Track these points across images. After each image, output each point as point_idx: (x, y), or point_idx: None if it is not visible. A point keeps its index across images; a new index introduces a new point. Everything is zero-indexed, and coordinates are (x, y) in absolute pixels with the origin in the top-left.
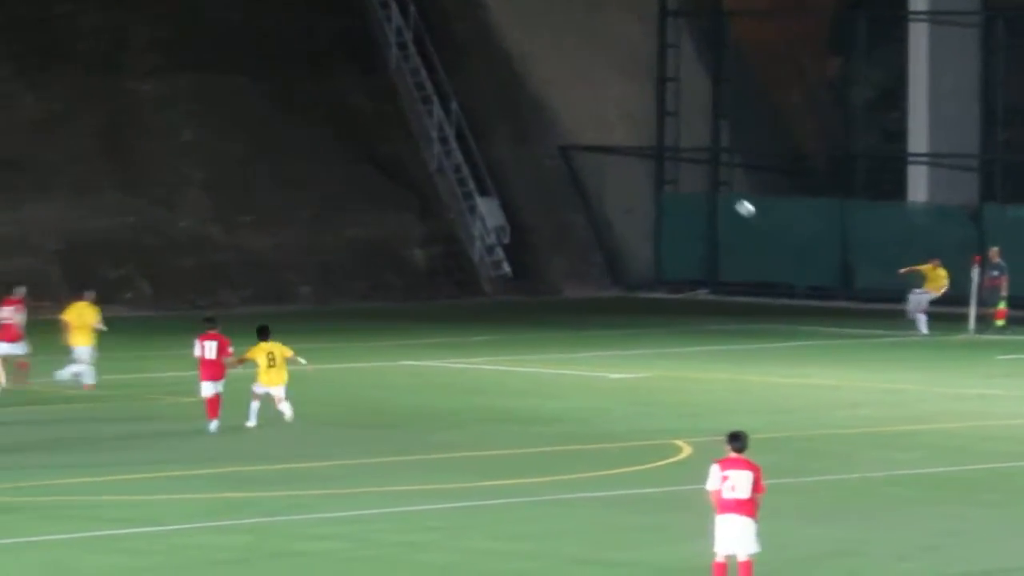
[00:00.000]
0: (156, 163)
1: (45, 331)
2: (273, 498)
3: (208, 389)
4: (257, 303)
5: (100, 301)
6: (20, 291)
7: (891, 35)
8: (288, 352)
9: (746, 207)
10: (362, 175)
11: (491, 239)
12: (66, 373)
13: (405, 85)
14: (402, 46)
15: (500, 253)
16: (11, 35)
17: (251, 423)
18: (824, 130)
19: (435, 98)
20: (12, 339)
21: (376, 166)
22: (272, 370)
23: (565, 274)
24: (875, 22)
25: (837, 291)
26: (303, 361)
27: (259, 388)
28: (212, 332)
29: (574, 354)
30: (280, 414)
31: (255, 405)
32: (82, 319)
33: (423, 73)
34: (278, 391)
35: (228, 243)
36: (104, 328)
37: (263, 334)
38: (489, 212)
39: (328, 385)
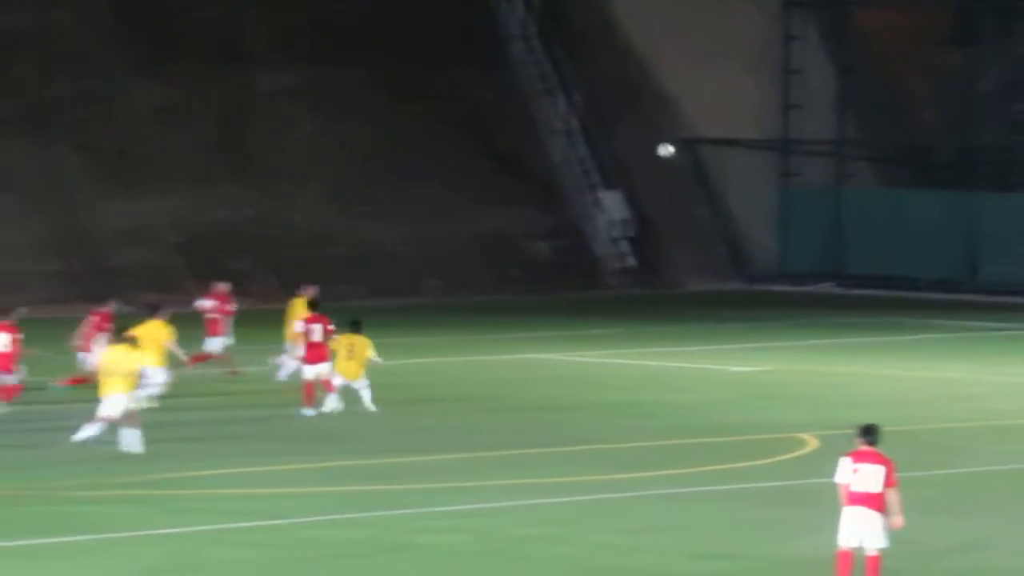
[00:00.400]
0: (277, 155)
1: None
2: (395, 491)
3: (311, 372)
4: (380, 296)
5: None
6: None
7: (1017, 24)
8: (368, 352)
9: (667, 148)
10: (485, 169)
11: (615, 232)
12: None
13: (528, 77)
14: (525, 38)
15: (624, 246)
16: (131, 27)
17: (328, 409)
18: (950, 122)
19: (559, 90)
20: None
21: (499, 159)
22: (350, 362)
23: (688, 267)
24: (1001, 11)
25: (962, 284)
26: (379, 360)
27: (336, 379)
28: (317, 315)
29: (697, 347)
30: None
31: (334, 392)
32: (153, 336)
33: (546, 65)
34: (356, 383)
35: (349, 236)
36: (181, 355)
37: (355, 327)
38: (613, 205)
39: (451, 378)
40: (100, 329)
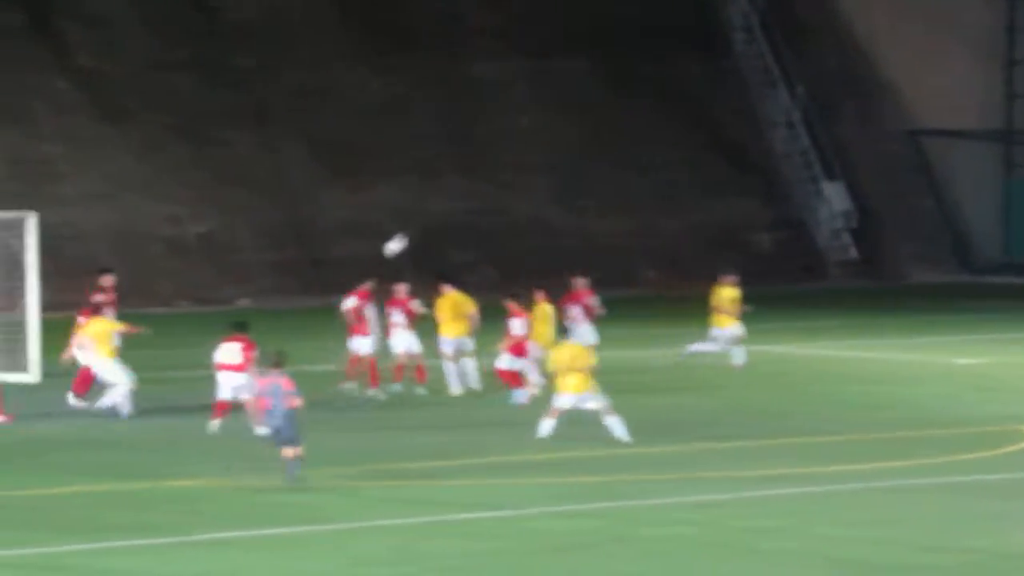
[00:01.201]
0: (499, 147)
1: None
2: (619, 482)
3: (512, 363)
4: (601, 287)
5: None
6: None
7: None
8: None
9: (393, 247)
10: (706, 160)
11: (837, 224)
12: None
13: (751, 69)
14: (748, 30)
15: (846, 238)
16: (356, 19)
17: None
18: None
19: (781, 82)
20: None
21: (720, 151)
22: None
23: (911, 258)
24: None
25: None
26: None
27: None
28: (518, 308)
29: (919, 339)
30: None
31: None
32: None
33: (769, 57)
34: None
35: (570, 227)
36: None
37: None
38: (835, 196)
39: (671, 370)
40: (409, 314)
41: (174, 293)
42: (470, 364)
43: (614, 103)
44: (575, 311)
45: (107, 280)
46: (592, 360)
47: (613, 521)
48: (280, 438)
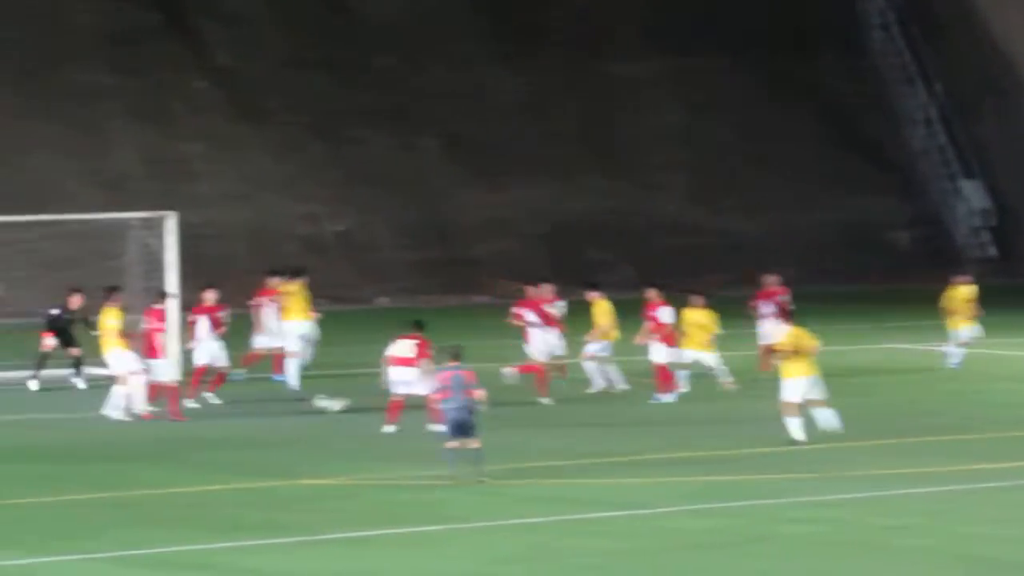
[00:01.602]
0: (638, 146)
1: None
2: (754, 481)
3: (670, 356)
4: (739, 286)
5: (576, 284)
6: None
7: None
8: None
9: (325, 405)
10: (843, 158)
11: (975, 221)
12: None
13: (888, 67)
14: (885, 27)
15: (985, 235)
16: (496, 18)
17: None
18: None
19: (919, 79)
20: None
21: (857, 148)
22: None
23: None
24: None
25: None
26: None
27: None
28: (659, 299)
29: None
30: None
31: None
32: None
33: (906, 54)
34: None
35: (710, 226)
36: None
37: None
38: (973, 194)
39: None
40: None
41: (312, 292)
42: (611, 367)
43: (752, 101)
44: (767, 308)
45: (210, 295)
46: (816, 343)
47: (749, 520)
48: (458, 429)
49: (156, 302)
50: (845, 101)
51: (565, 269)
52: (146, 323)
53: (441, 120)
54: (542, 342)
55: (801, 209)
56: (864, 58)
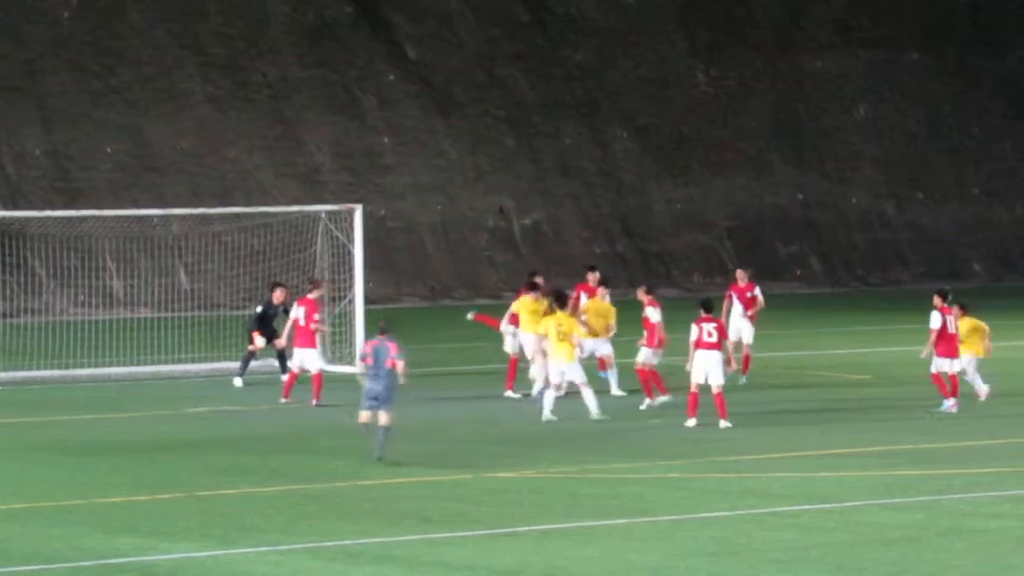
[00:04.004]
0: (828, 140)
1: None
2: (946, 475)
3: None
4: (929, 280)
5: (766, 277)
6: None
7: None
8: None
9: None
10: None
11: None
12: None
13: None
14: None
15: None
16: (691, 12)
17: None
18: None
19: None
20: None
21: None
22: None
23: None
24: None
25: None
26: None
27: None
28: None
29: None
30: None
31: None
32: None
33: None
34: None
35: (901, 220)
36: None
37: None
38: None
39: (997, 364)
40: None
41: (500, 284)
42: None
43: (949, 95)
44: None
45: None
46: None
47: (939, 514)
48: (373, 399)
49: (310, 292)
50: None
51: (756, 263)
52: (298, 313)
53: (633, 113)
54: (734, 330)
55: (993, 204)
56: None
